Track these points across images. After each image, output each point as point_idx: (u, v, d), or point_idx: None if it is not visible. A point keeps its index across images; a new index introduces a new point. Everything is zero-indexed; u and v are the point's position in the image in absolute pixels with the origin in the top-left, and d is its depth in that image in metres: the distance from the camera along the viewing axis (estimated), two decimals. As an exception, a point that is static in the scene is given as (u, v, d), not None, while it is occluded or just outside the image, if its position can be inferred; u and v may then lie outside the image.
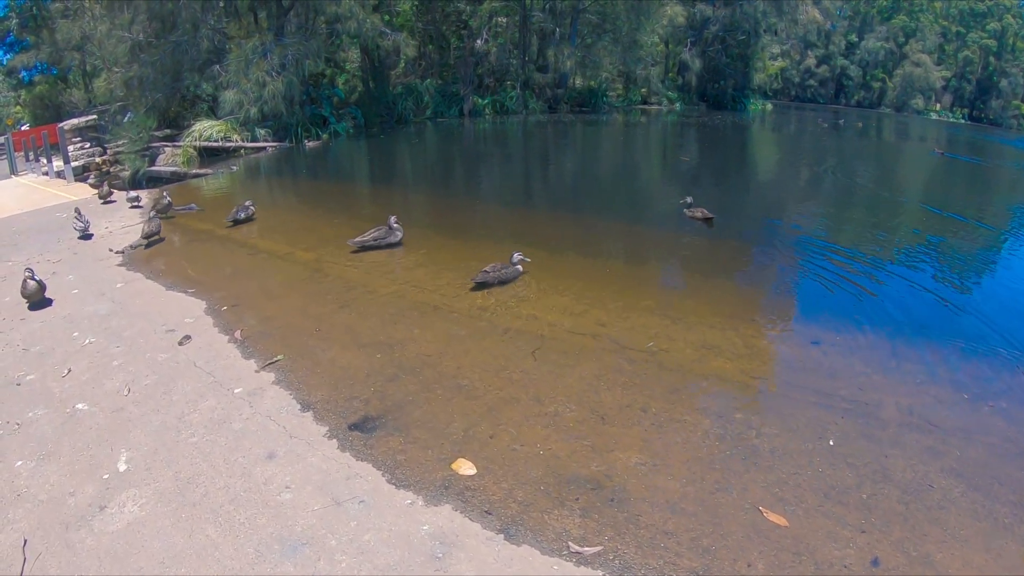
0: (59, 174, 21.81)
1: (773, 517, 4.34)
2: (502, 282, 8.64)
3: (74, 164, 23.85)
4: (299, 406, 5.73)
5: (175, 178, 20.85)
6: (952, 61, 75.16)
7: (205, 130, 23.73)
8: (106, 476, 4.85)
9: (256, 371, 6.36)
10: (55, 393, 6.08)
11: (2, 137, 29.12)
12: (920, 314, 8.13)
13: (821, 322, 7.62)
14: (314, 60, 24.70)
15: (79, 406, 5.82)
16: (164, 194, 13.71)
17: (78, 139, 25.56)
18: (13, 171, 27.06)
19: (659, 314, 7.71)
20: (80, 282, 9.30)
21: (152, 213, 12.21)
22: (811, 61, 70.10)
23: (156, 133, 24.78)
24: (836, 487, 4.65)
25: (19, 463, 5.03)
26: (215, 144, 23.55)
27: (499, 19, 35.97)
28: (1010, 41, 73.21)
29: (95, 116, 30.13)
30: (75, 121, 30.20)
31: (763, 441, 5.21)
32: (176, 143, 24.13)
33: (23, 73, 42.35)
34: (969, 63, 74.63)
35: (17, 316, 8.08)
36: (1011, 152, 36.55)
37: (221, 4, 26.12)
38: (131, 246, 10.96)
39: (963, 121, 73.03)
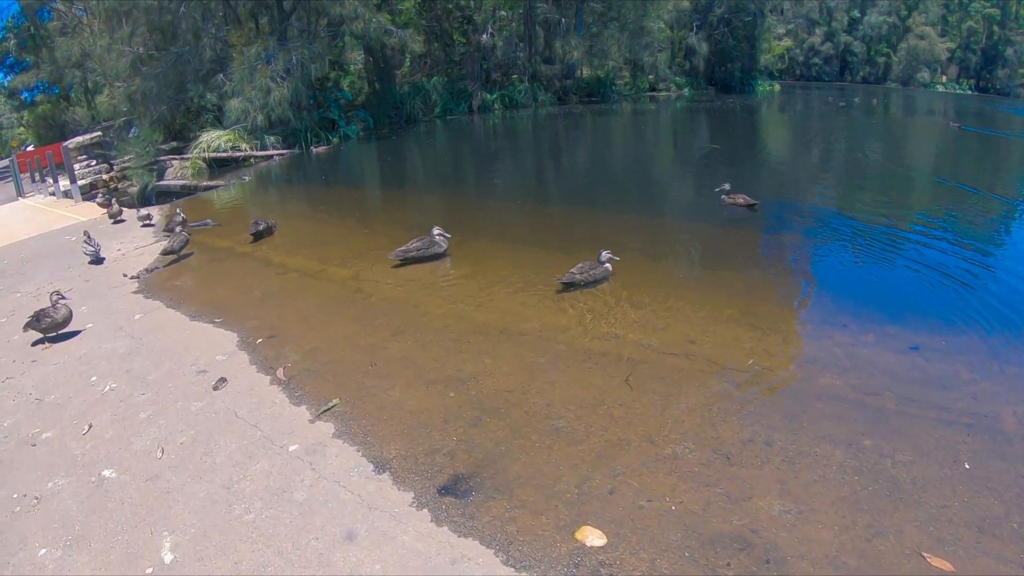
0: (66, 194, 21.01)
1: (937, 562, 3.78)
2: (591, 283, 7.95)
3: (81, 182, 22.98)
4: (372, 466, 4.75)
5: (185, 192, 19.98)
6: (956, 32, 73.99)
7: (212, 141, 22.87)
8: (150, 570, 3.96)
9: (310, 421, 5.40)
10: (76, 456, 5.18)
11: (7, 159, 28.43)
12: (1012, 306, 7.26)
13: (912, 323, 6.79)
14: (320, 63, 23.78)
15: (106, 473, 4.91)
16: (178, 210, 12.80)
17: (84, 157, 24.68)
18: (20, 193, 26.25)
19: (746, 324, 6.79)
20: (95, 314, 8.44)
21: (178, 227, 11.37)
22: (815, 39, 68.85)
23: (163, 146, 23.96)
24: (987, 518, 4.07)
25: (42, 552, 4.16)
26: (224, 154, 22.68)
27: (503, 12, 35.06)
28: (1013, 9, 72.09)
29: (99, 133, 29.31)
30: (80, 139, 29.36)
31: (901, 471, 4.50)
32: (184, 155, 23.29)
33: (24, 94, 41.70)
34: (973, 33, 73.57)
35: (28, 357, 7.25)
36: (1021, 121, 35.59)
37: (221, 12, 25.25)
38: (147, 269, 10.09)
39: (970, 92, 71.83)
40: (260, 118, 22.63)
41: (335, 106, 26.52)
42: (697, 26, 43.17)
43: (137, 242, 12.34)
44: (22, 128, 42.96)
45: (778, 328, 6.71)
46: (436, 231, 9.36)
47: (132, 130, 28.20)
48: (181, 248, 10.87)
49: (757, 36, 46.75)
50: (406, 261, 9.30)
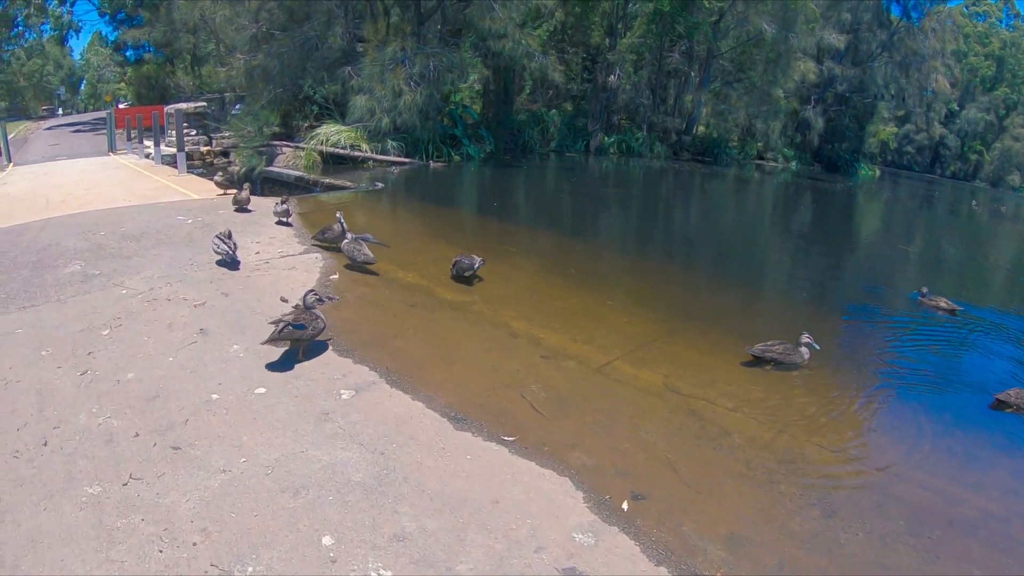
0: (166, 160, 18.76)
1: None
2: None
3: (169, 150, 20.74)
4: None
5: (299, 185, 17.49)
6: None
7: (332, 135, 20.47)
8: None
9: None
10: None
11: (102, 113, 26.46)
12: None
13: None
14: (458, 74, 21.40)
15: None
16: (339, 215, 9.87)
17: (184, 125, 22.39)
18: (112, 148, 24.17)
19: None
20: (257, 368, 5.70)
21: (349, 235, 9.06)
22: (910, 127, 65.54)
23: (249, 129, 21.55)
24: None
25: None
26: (342, 151, 20.27)
27: (632, 56, 32.57)
28: None
29: (204, 103, 27.25)
30: (183, 106, 27.33)
31: None
32: (297, 144, 20.92)
33: (128, 51, 39.90)
34: None
35: (161, 457, 4.48)
36: None
37: (359, 3, 22.93)
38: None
39: None
40: (386, 120, 20.20)
41: (461, 122, 24.08)
42: (815, 100, 40.23)
43: (278, 245, 9.75)
44: (123, 84, 41.25)
45: None
46: (805, 338, 6.77)
47: (237, 107, 26.09)
48: (362, 259, 8.61)
49: (868, 119, 43.97)
50: (761, 359, 6.66)
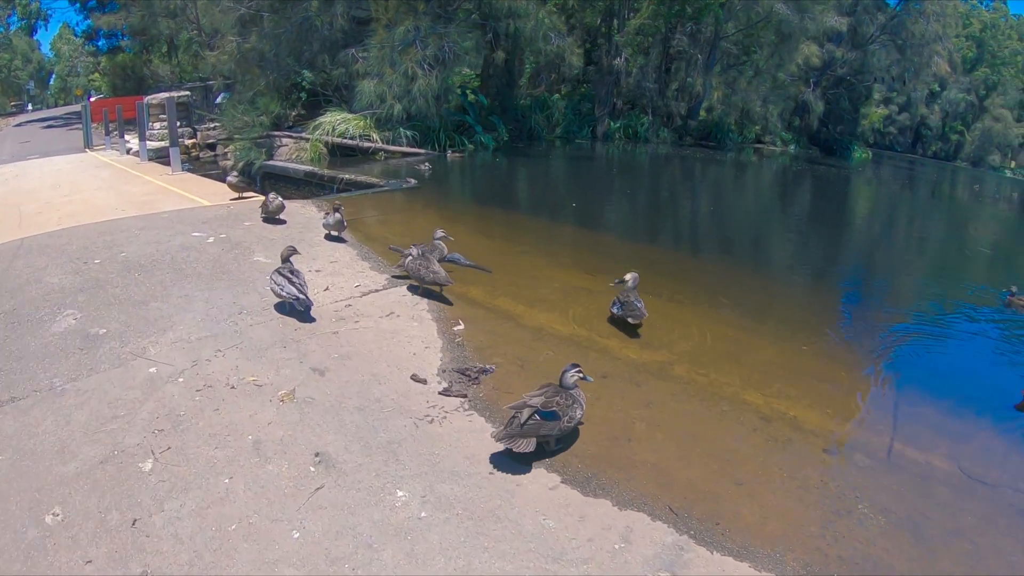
0: (152, 156, 16.28)
1: None
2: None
3: (157, 144, 18.24)
4: None
5: (312, 182, 14.99)
6: None
7: (338, 124, 18.00)
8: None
9: None
10: None
11: (78, 106, 23.82)
12: None
13: None
14: (475, 56, 19.00)
15: None
16: (439, 234, 7.62)
17: (164, 116, 19.86)
18: (88, 144, 21.48)
19: None
20: (461, 528, 3.37)
21: (413, 253, 6.69)
22: (893, 109, 63.98)
23: (245, 119, 18.95)
24: None
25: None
26: (351, 142, 17.83)
27: (640, 38, 30.35)
28: None
29: (188, 92, 24.61)
30: (162, 96, 24.69)
31: None
32: (299, 134, 18.44)
33: (101, 41, 36.81)
34: None
35: None
36: None
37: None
38: (483, 369, 5.03)
39: None
40: (398, 107, 17.77)
41: (473, 109, 21.66)
42: (814, 83, 38.26)
43: (349, 275, 7.21)
44: (96, 75, 38.16)
45: None
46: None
47: (220, 96, 23.54)
48: (431, 280, 6.53)
49: (864, 101, 42.42)
50: None
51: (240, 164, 16.87)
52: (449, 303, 6.57)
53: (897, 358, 6.43)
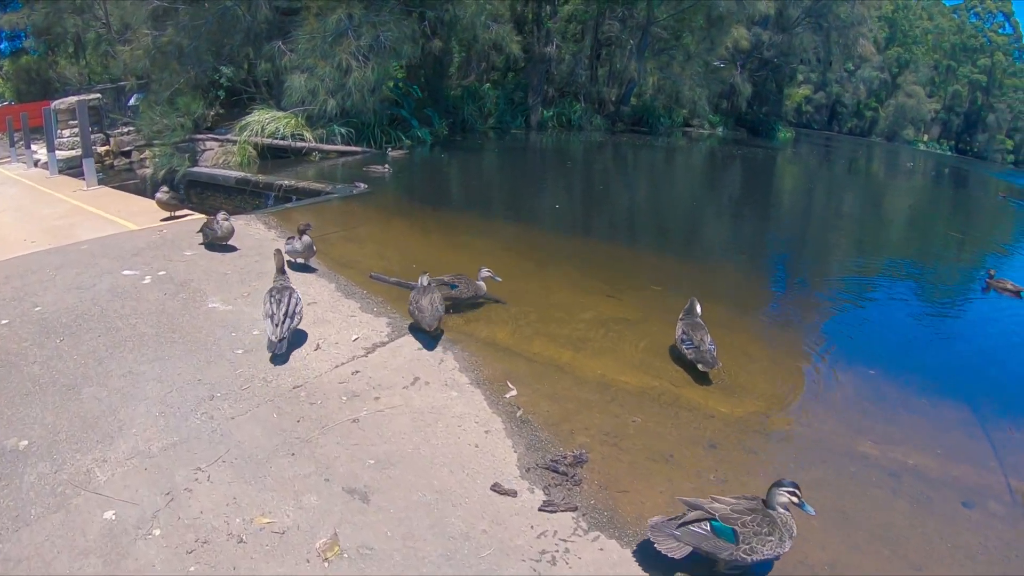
0: (62, 168, 14.60)
1: None
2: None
3: (67, 154, 16.49)
4: None
5: (245, 190, 13.53)
6: (942, 94, 72.46)
7: (268, 123, 16.53)
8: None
9: None
10: None
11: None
12: None
13: None
14: (412, 46, 17.70)
15: None
16: (486, 273, 6.47)
17: (74, 122, 18.07)
18: (-8, 159, 19.44)
19: None
20: None
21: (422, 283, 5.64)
22: (808, 88, 64.97)
23: (165, 121, 17.17)
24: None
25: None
26: (282, 143, 16.38)
27: (572, 25, 29.52)
28: (999, 77, 70.89)
29: (98, 95, 22.63)
30: (72, 100, 22.64)
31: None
32: (225, 136, 16.91)
33: (3, 43, 34.02)
34: (958, 97, 72.15)
35: None
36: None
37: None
38: (554, 468, 3.95)
39: (949, 153, 70.41)
40: (332, 103, 16.39)
41: (408, 102, 20.36)
42: (740, 66, 38.03)
43: (339, 323, 5.92)
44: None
45: None
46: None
47: (133, 97, 21.64)
48: (430, 320, 5.47)
49: (789, 82, 42.75)
50: None
51: (161, 172, 15.21)
52: (467, 348, 5.47)
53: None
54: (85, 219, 9.66)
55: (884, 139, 68.61)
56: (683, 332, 5.51)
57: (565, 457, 4.01)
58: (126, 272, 6.92)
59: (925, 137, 72.45)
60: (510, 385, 4.90)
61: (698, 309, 5.76)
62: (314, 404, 4.50)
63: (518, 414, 4.53)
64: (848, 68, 64.16)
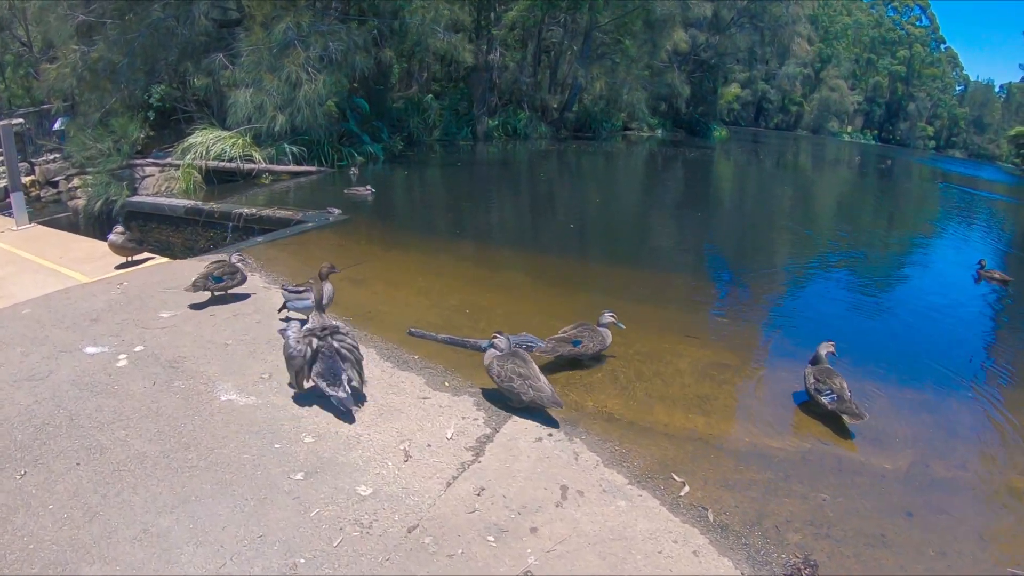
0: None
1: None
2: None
3: None
4: None
5: (195, 220, 12.16)
6: (863, 86, 75.23)
7: (212, 144, 15.15)
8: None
9: None
10: None
11: None
12: None
13: None
14: (364, 57, 16.51)
15: None
16: (609, 318, 5.60)
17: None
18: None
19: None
20: None
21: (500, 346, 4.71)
22: (735, 85, 66.13)
23: (99, 145, 15.56)
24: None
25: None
26: (230, 165, 15.03)
27: (514, 32, 28.71)
28: (917, 67, 73.89)
29: (21, 120, 20.74)
30: (-5, 121, 20.66)
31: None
32: (164, 160, 15.47)
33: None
34: (879, 88, 74.87)
35: None
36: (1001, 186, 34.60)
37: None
38: None
39: (873, 142, 73.45)
40: (281, 119, 15.12)
41: (354, 116, 19.13)
42: (678, 67, 37.80)
43: (411, 407, 4.60)
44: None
45: None
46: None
47: (59, 120, 19.85)
48: (532, 396, 4.52)
49: (724, 82, 43.03)
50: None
51: (97, 203, 13.73)
52: (591, 430, 4.54)
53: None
54: (19, 270, 8.09)
55: (810, 132, 70.52)
56: (816, 380, 4.93)
57: (798, 569, 3.27)
58: (90, 350, 5.35)
59: (849, 128, 74.70)
60: (677, 478, 4.01)
61: (823, 353, 5.17)
62: (453, 557, 3.15)
63: (711, 519, 3.64)
64: (771, 65, 65.40)
